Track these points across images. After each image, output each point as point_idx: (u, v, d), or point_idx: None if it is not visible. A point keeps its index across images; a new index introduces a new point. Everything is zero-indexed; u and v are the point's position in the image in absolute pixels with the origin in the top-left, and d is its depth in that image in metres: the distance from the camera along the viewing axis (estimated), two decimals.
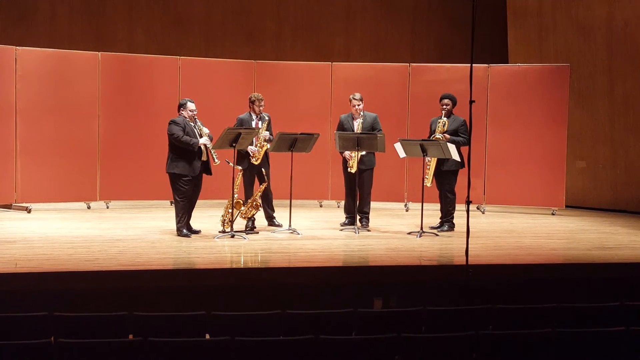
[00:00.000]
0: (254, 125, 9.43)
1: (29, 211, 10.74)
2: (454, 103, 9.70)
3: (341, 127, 9.74)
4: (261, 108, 9.51)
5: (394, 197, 12.03)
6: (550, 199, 11.83)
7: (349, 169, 9.59)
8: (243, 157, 9.38)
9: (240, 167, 8.97)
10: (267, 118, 9.45)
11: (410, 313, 5.78)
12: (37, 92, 10.98)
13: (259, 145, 9.38)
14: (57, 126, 11.08)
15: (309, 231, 9.46)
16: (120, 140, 11.43)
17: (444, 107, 9.66)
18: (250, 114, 9.56)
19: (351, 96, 9.71)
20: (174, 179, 8.75)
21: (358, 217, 9.57)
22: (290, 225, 9.24)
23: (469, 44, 7.39)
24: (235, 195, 8.89)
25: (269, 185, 9.46)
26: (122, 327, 5.35)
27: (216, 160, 8.80)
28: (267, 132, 9.40)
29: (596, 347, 5.28)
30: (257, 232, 9.16)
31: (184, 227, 8.78)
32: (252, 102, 9.54)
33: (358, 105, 9.64)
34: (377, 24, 14.16)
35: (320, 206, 12.24)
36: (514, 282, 7.49)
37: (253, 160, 9.40)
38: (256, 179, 9.55)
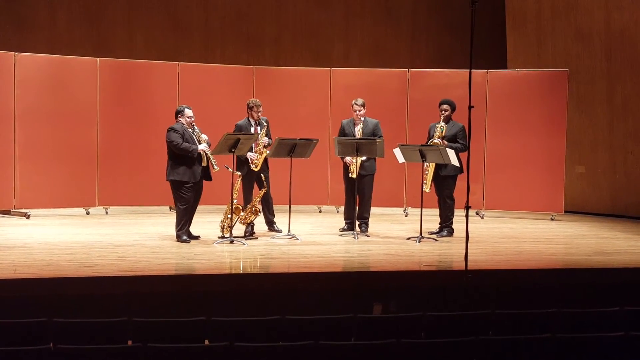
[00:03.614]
0: (252, 132, 9.43)
1: (28, 217, 10.74)
2: (453, 108, 9.70)
3: (342, 132, 9.74)
4: (259, 114, 9.48)
5: (393, 202, 12.03)
6: (550, 204, 11.83)
7: (350, 175, 9.59)
8: (243, 163, 9.38)
9: (239, 173, 8.97)
10: (265, 124, 9.44)
11: (410, 318, 5.78)
12: (36, 98, 10.98)
13: (257, 151, 9.38)
14: (56, 132, 11.08)
15: (309, 236, 9.45)
16: (119, 146, 11.43)
17: (443, 112, 9.66)
18: (248, 119, 9.54)
19: (353, 101, 9.71)
20: (176, 186, 8.75)
21: (357, 223, 9.56)
22: (289, 231, 9.23)
23: (468, 49, 7.41)
24: (235, 201, 8.89)
25: (269, 190, 9.47)
26: (121, 333, 5.34)
27: (215, 167, 8.81)
28: (267, 139, 9.39)
29: (596, 352, 5.28)
30: (257, 238, 9.15)
31: (184, 234, 8.78)
32: (250, 108, 9.51)
33: (359, 110, 9.64)
34: (376, 30, 14.17)
35: (320, 211, 12.24)
36: (514, 287, 7.48)
37: (252, 167, 9.39)
38: (256, 185, 9.55)
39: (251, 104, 9.50)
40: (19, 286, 6.69)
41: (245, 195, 9.45)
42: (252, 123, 9.50)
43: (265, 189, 9.34)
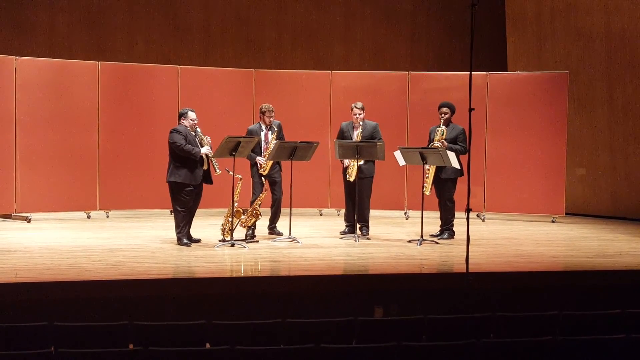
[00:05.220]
0: (263, 136, 9.45)
1: (29, 221, 10.74)
2: (453, 111, 9.70)
3: (341, 134, 9.74)
4: (271, 119, 9.49)
5: (394, 205, 12.03)
6: (550, 207, 11.82)
7: (347, 177, 9.59)
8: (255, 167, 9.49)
9: (239, 176, 8.97)
10: (276, 129, 9.46)
11: (411, 321, 5.78)
12: (37, 102, 10.98)
13: (267, 156, 9.38)
14: (56, 136, 11.08)
15: (309, 239, 9.45)
16: (120, 150, 11.44)
17: (443, 115, 9.65)
18: (260, 124, 9.56)
19: (353, 105, 9.71)
20: (175, 188, 8.74)
21: (358, 226, 9.56)
22: (290, 234, 9.23)
23: (468, 51, 7.41)
24: (235, 204, 8.89)
25: (280, 200, 9.47)
26: (122, 337, 5.35)
27: (217, 170, 8.82)
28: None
29: (597, 354, 5.28)
30: (257, 241, 9.15)
31: (184, 237, 8.78)
32: (262, 112, 9.53)
33: (359, 114, 9.63)
34: (376, 32, 14.18)
35: (320, 214, 12.23)
36: (515, 289, 7.48)
37: (261, 171, 9.41)
38: (268, 187, 9.57)
39: (263, 109, 9.52)
40: (20, 290, 6.70)
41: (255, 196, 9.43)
42: (263, 128, 9.51)
43: (266, 192, 9.36)
